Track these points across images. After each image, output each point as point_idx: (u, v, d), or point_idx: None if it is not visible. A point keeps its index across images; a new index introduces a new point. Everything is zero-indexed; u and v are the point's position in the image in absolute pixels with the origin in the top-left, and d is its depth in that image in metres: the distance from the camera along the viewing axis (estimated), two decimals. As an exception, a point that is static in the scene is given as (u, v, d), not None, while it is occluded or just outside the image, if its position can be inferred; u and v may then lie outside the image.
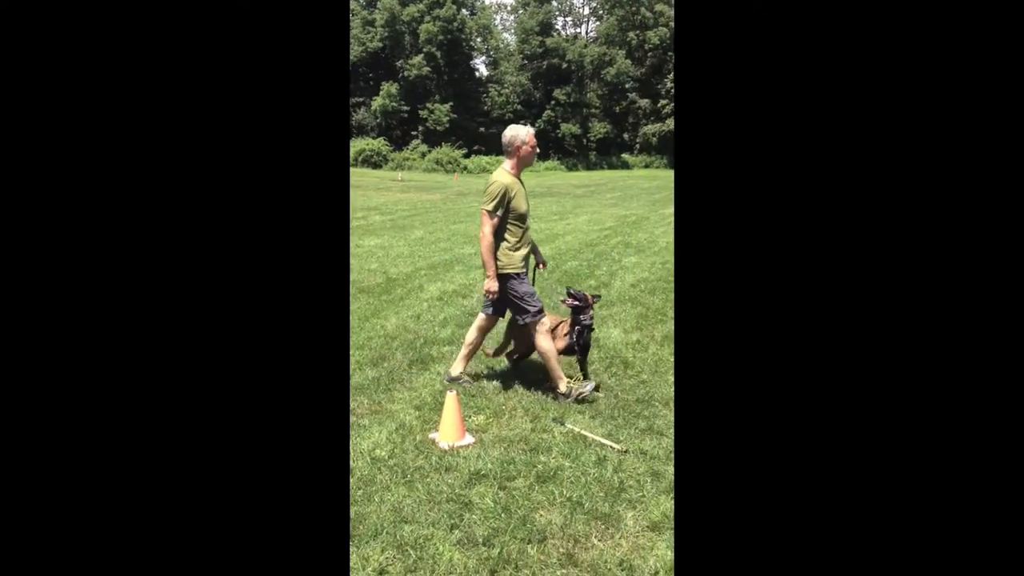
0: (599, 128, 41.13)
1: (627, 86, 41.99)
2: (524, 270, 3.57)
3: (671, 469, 2.73)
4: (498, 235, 3.48)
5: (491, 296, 3.51)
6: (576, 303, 3.77)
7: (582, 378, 3.76)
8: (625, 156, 40.83)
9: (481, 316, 3.75)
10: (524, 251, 3.57)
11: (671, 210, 16.63)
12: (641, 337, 4.79)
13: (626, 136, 42.39)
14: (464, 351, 3.80)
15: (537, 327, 3.53)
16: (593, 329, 3.86)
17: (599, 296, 4.04)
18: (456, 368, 3.79)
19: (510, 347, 4.04)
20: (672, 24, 40.38)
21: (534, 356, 3.90)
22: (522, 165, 3.57)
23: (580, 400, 3.50)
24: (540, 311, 3.54)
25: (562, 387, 3.54)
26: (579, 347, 3.79)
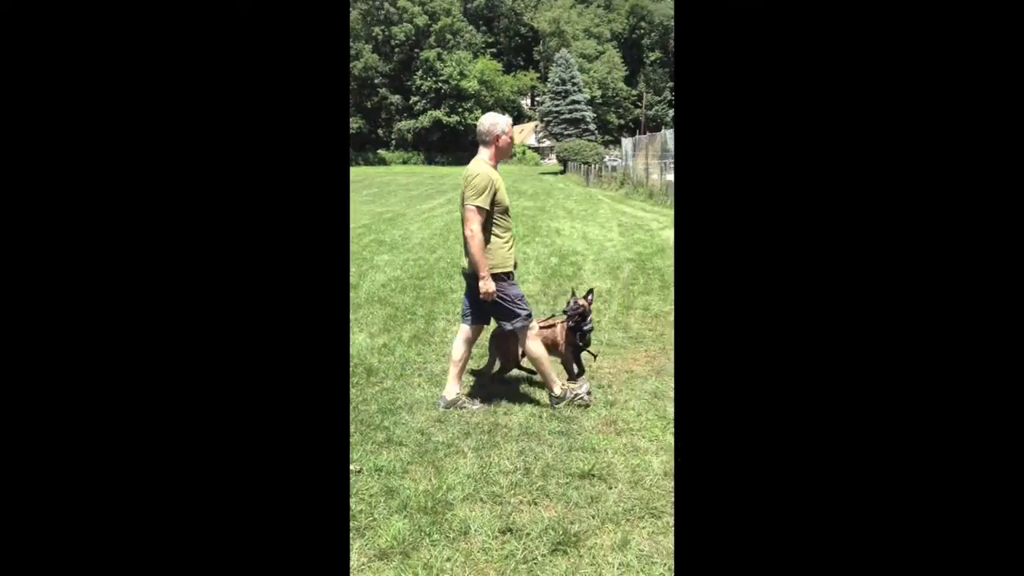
0: (352, 123, 40.06)
1: (376, 81, 41.47)
2: (514, 269, 3.29)
3: (406, 483, 2.55)
4: (485, 232, 3.15)
5: (491, 297, 3.15)
6: (578, 318, 3.58)
7: (573, 374, 3.66)
8: (382, 152, 40.36)
9: (465, 328, 3.40)
10: (513, 248, 3.30)
11: (429, 205, 16.73)
12: (388, 340, 4.57)
13: (381, 132, 41.92)
14: (454, 370, 3.38)
15: (527, 332, 3.29)
16: (592, 328, 3.75)
17: (591, 291, 3.76)
18: (450, 390, 3.36)
19: (496, 364, 3.71)
20: (416, 20, 40.72)
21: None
22: (500, 156, 3.29)
23: (577, 404, 3.30)
24: (530, 315, 3.31)
25: (557, 390, 3.34)
26: (579, 346, 3.69)
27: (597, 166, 28.77)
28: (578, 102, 46.14)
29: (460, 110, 49.08)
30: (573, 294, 3.78)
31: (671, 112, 51.29)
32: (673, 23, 63.33)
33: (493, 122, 3.26)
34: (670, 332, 4.86)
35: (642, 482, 2.51)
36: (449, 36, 50.26)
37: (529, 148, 53.00)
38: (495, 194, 3.17)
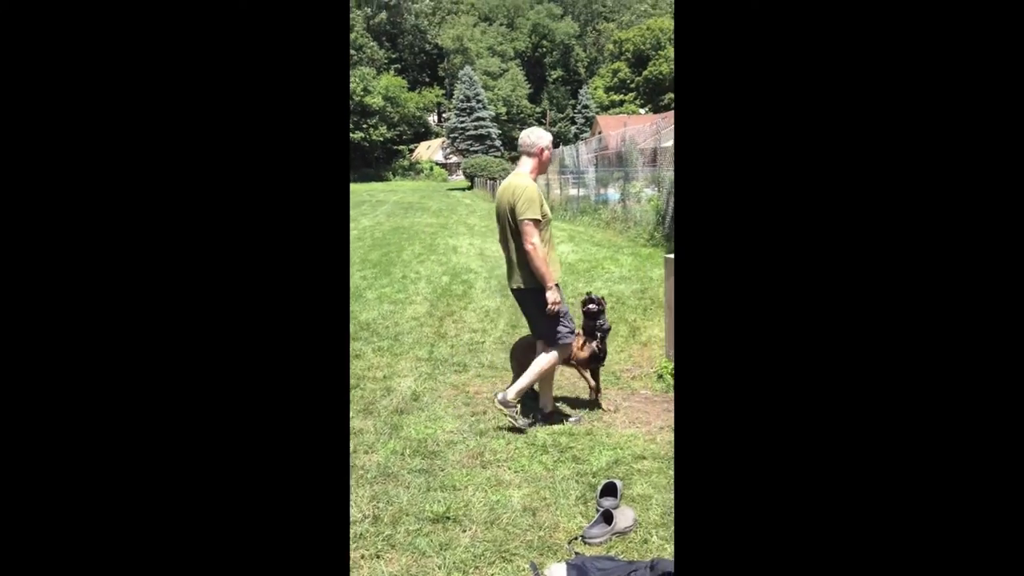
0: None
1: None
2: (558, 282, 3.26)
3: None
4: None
5: (558, 308, 3.18)
6: (597, 308, 3.53)
7: (595, 390, 3.61)
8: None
9: (566, 342, 3.33)
10: (556, 260, 3.34)
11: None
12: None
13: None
14: (543, 387, 3.43)
15: (566, 350, 3.34)
16: (609, 329, 3.67)
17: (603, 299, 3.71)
18: (546, 403, 3.44)
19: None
20: None
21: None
22: (542, 169, 3.31)
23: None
24: (573, 331, 3.36)
25: (549, 406, 3.42)
26: (602, 354, 3.58)
27: (501, 182, 28.95)
28: (483, 119, 46.53)
29: (364, 126, 48.23)
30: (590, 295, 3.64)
31: (573, 128, 52.71)
32: (573, 42, 65.29)
33: (540, 135, 3.30)
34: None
35: (498, 521, 2.34)
36: (352, 51, 49.42)
37: (436, 164, 52.78)
38: (542, 207, 3.16)
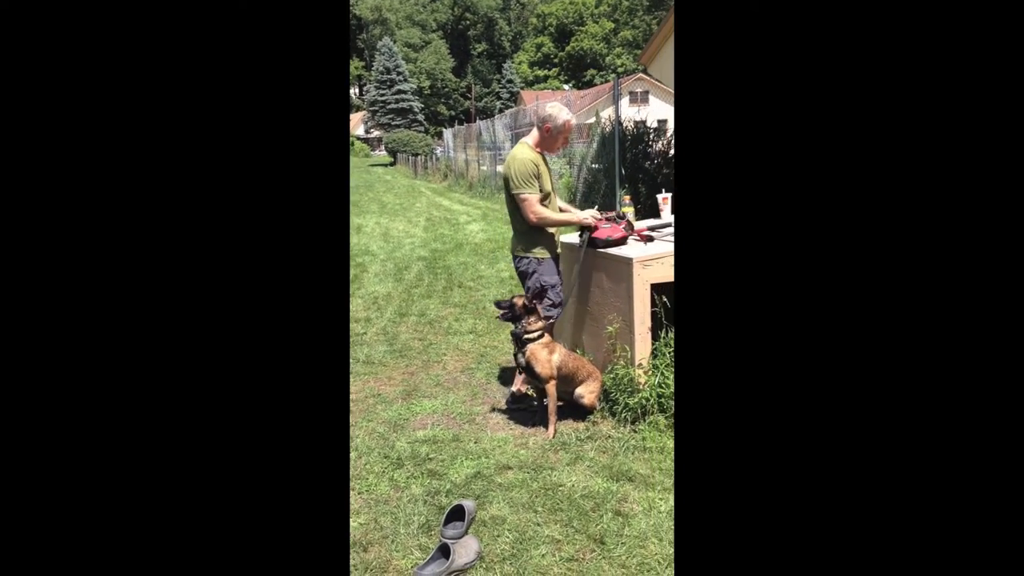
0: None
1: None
2: (553, 256, 3.16)
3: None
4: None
5: (551, 279, 3.10)
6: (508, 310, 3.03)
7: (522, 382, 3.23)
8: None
9: (547, 315, 3.08)
10: (556, 232, 3.23)
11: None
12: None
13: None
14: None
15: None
16: (522, 335, 3.03)
17: (536, 296, 3.07)
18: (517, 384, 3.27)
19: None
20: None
21: None
22: (545, 146, 3.12)
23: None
24: (558, 305, 3.15)
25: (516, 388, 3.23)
26: (524, 364, 3.04)
27: (423, 157, 28.16)
28: (404, 92, 45.16)
29: (279, 99, 45.85)
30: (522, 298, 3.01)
31: (498, 103, 52.06)
32: (496, 15, 64.23)
33: (553, 114, 3.08)
34: (440, 339, 4.42)
35: (319, 563, 1.98)
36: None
37: (358, 139, 50.98)
38: (539, 179, 3.03)
